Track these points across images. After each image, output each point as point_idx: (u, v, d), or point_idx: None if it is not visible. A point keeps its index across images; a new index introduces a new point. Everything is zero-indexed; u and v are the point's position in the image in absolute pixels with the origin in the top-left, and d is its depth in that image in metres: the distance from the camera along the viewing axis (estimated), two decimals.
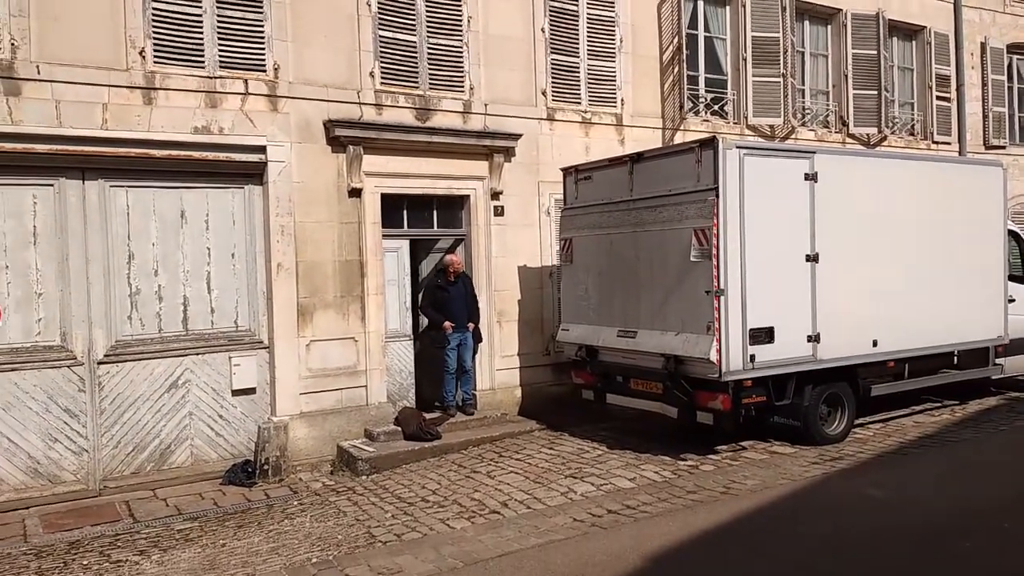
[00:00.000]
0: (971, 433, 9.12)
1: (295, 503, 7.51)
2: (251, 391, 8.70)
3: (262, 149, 8.60)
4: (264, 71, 8.65)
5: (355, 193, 9.17)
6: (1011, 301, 10.48)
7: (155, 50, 8.09)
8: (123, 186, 8.14)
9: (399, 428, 9.03)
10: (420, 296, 10.22)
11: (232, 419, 8.65)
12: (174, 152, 8.20)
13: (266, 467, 8.24)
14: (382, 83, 9.38)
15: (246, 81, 8.54)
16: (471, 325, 9.68)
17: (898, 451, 8.39)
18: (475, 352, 9.83)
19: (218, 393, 8.56)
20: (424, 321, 10.15)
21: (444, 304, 9.53)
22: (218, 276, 8.60)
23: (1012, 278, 10.70)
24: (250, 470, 8.22)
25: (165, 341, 8.33)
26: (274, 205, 8.68)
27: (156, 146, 8.10)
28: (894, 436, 9.02)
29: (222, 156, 8.43)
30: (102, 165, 7.95)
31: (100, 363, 8.00)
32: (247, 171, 8.68)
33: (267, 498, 7.69)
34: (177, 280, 8.40)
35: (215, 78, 8.38)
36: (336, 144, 9.03)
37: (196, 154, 8.30)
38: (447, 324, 9.46)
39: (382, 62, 9.36)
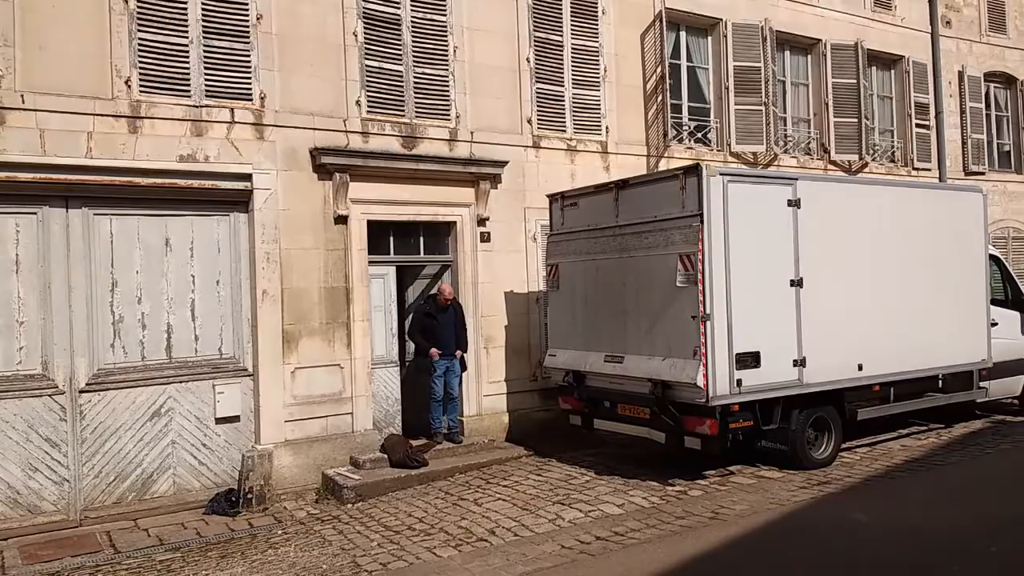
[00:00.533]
0: (957, 457, 9.13)
1: (279, 532, 7.41)
2: (235, 419, 8.62)
3: (248, 177, 8.61)
4: (250, 100, 8.69)
5: (341, 220, 9.18)
6: (994, 325, 10.56)
7: (141, 79, 8.12)
8: (107, 214, 8.11)
9: (385, 456, 8.95)
10: (408, 322, 10.17)
11: (216, 447, 8.56)
12: (159, 180, 8.20)
13: (250, 496, 8.13)
14: (368, 111, 9.44)
15: (232, 110, 8.57)
16: (459, 353, 9.62)
17: (885, 475, 8.39)
18: (461, 380, 9.78)
19: (201, 421, 8.47)
20: (411, 347, 10.12)
21: (433, 332, 9.48)
22: (202, 303, 8.56)
23: (994, 302, 10.79)
24: (234, 499, 8.12)
25: (148, 369, 8.25)
26: (260, 232, 8.67)
27: (141, 174, 8.10)
28: (881, 460, 9.03)
29: (207, 184, 8.44)
30: (86, 193, 7.94)
31: (82, 391, 7.91)
32: (233, 199, 8.68)
33: (251, 527, 7.58)
34: (161, 308, 8.35)
35: (201, 107, 8.41)
36: (322, 172, 9.06)
37: (181, 182, 8.31)
38: (434, 351, 9.39)
39: (368, 91, 9.43)
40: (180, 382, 8.38)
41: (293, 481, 8.66)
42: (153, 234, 8.34)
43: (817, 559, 5.97)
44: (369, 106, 9.45)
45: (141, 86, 8.12)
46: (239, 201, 8.73)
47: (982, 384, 10.49)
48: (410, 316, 10.29)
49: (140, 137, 8.09)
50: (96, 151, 7.86)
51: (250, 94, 8.68)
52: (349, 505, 8.10)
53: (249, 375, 8.72)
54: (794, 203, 8.47)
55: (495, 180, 10.29)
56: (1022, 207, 16.71)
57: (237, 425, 8.65)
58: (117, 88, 8.00)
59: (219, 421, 8.54)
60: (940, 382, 10.08)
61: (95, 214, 8.05)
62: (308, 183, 9.01)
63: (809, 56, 13.81)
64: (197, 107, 8.40)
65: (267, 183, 8.71)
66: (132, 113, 8.06)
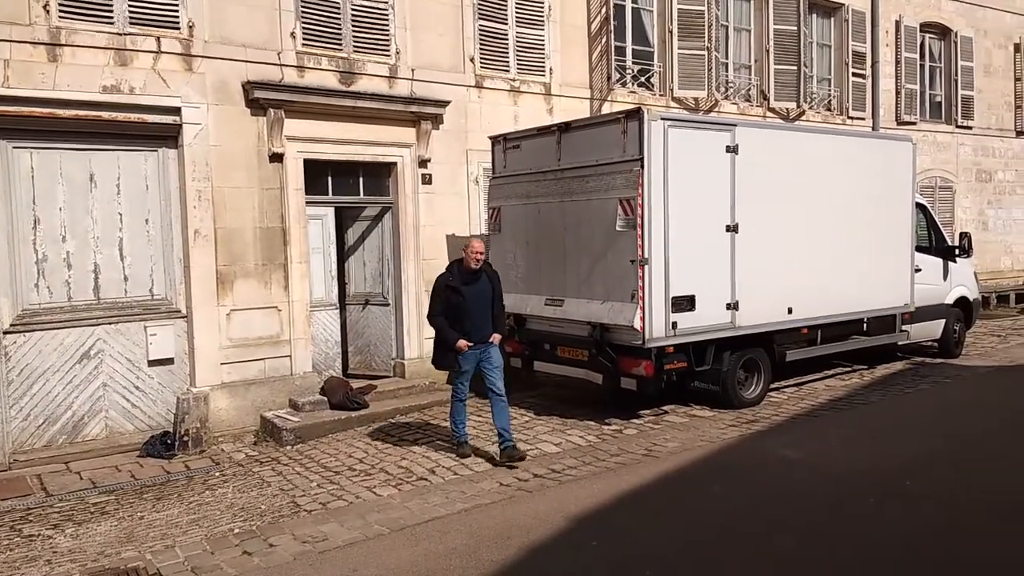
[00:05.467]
0: (878, 396, 9.57)
1: (217, 474, 7.36)
2: (169, 361, 8.44)
3: (176, 110, 8.26)
4: (178, 28, 8.28)
5: (276, 158, 8.91)
6: (917, 271, 10.99)
7: (61, 4, 7.66)
8: (27, 147, 7.71)
9: (325, 398, 8.92)
10: (430, 298, 7.49)
11: (149, 390, 8.39)
12: (82, 112, 7.80)
13: (186, 439, 8.02)
14: (304, 44, 9.11)
15: (158, 39, 8.16)
16: (495, 337, 7.24)
17: (810, 414, 8.75)
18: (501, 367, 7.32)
19: (133, 364, 8.27)
20: (351, 287, 9.90)
21: (460, 312, 7.08)
22: (131, 243, 8.27)
23: (919, 249, 11.21)
24: (169, 442, 8.00)
25: (75, 310, 7.99)
26: (190, 169, 8.37)
27: (62, 105, 7.69)
28: (807, 399, 9.41)
29: (133, 117, 8.07)
30: (4, 125, 7.51)
31: (6, 332, 7.62)
32: (161, 133, 8.32)
33: (187, 470, 7.51)
34: (87, 246, 8.04)
35: (125, 35, 7.99)
36: (256, 107, 8.74)
37: (105, 114, 7.92)
38: (462, 343, 7.01)
39: (304, 22, 9.08)
40: (110, 323, 8.14)
41: (231, 424, 8.58)
42: (77, 169, 7.97)
43: (742, 492, 6.23)
44: (305, 39, 9.11)
45: (61, 11, 7.66)
46: (167, 136, 8.38)
47: (904, 327, 10.95)
48: (432, 291, 7.49)
49: (60, 66, 7.66)
50: (14, 80, 7.43)
51: (177, 22, 8.27)
52: (288, 447, 8.09)
53: (182, 317, 8.52)
54: (732, 149, 8.56)
55: (437, 120, 10.10)
56: (950, 157, 17.29)
57: (171, 367, 8.48)
58: (35, 13, 7.53)
59: (152, 363, 8.35)
60: (865, 325, 10.49)
61: (14, 147, 7.65)
62: (241, 119, 8.69)
63: (752, 1, 13.81)
64: (121, 35, 7.97)
65: (197, 117, 8.37)
66: (51, 40, 7.62)
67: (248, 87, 8.63)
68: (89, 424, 8.08)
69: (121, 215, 8.21)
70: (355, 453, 7.71)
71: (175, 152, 8.44)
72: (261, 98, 8.67)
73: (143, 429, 8.31)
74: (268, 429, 8.51)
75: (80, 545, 5.71)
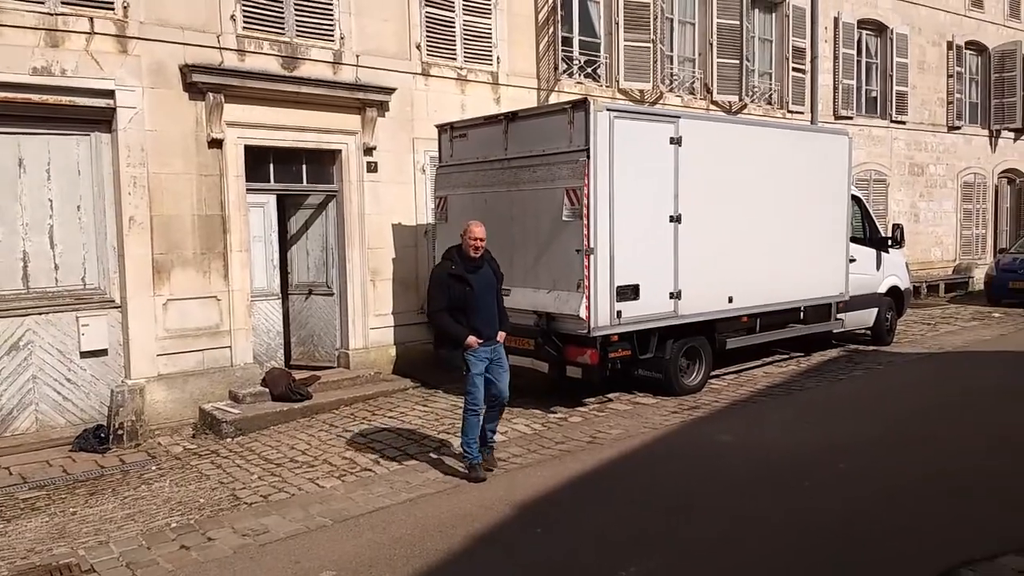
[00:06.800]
0: (814, 382, 9.84)
1: (153, 468, 7.18)
2: (102, 352, 8.18)
3: (110, 94, 7.98)
4: (112, 9, 8.00)
5: (216, 144, 8.70)
6: (852, 261, 11.31)
7: None
8: None
9: (267, 389, 8.76)
10: (427, 293, 6.61)
11: (82, 382, 8.13)
12: (9, 94, 7.47)
13: (121, 432, 7.80)
14: (244, 27, 8.89)
15: (91, 19, 7.87)
16: (501, 335, 6.47)
17: (749, 400, 8.96)
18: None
19: (65, 355, 8.00)
20: (293, 277, 9.71)
21: (466, 304, 6.18)
22: (62, 230, 7.98)
23: (853, 240, 11.53)
24: (103, 436, 7.76)
25: (4, 300, 7.68)
26: (124, 154, 8.10)
27: None
28: (746, 386, 9.62)
29: (64, 100, 7.77)
30: None
31: None
32: (93, 117, 8.04)
33: (122, 464, 7.30)
34: (15, 234, 7.73)
35: (56, 15, 7.68)
36: (194, 91, 8.51)
37: (35, 97, 7.61)
38: (472, 340, 6.16)
39: (244, 5, 8.87)
40: (39, 314, 7.84)
41: (168, 416, 8.37)
42: (5, 154, 7.65)
43: (683, 476, 6.35)
44: (246, 22, 8.89)
45: None
46: (101, 120, 8.10)
47: (839, 316, 11.27)
48: (429, 284, 6.56)
49: None
50: None
51: (111, 2, 7.99)
52: (228, 440, 7.92)
53: (116, 307, 8.26)
54: (676, 141, 8.67)
55: (382, 108, 9.99)
56: (884, 151, 17.82)
57: (105, 359, 8.22)
58: None
59: (84, 355, 8.09)
60: (802, 314, 10.76)
61: None
62: (178, 103, 8.45)
63: None
64: (52, 15, 7.66)
65: (132, 101, 8.11)
66: None
67: (186, 70, 8.39)
68: (18, 418, 7.80)
69: (51, 201, 7.91)
70: (298, 445, 7.60)
71: (109, 137, 8.17)
72: (199, 82, 8.44)
73: (75, 423, 8.05)
74: (207, 421, 8.32)
75: (9, 542, 5.52)
